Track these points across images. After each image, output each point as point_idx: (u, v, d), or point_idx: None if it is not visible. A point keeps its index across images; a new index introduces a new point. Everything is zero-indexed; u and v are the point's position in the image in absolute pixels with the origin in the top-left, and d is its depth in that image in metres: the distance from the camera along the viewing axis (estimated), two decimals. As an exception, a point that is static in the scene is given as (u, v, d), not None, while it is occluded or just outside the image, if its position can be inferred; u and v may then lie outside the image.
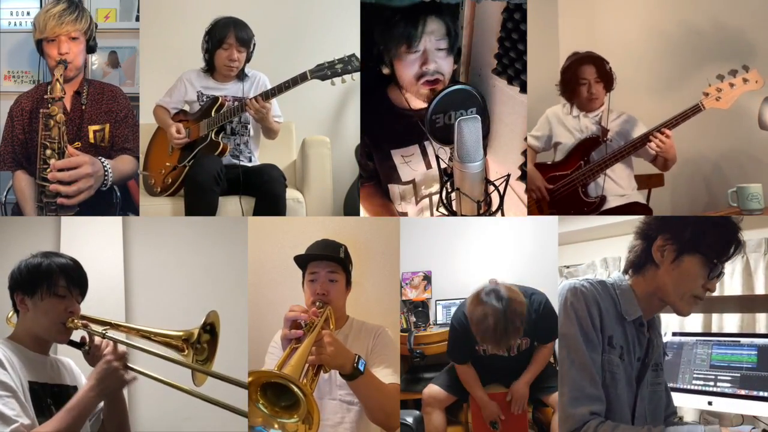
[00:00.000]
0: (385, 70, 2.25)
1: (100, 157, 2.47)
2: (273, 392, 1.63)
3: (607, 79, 2.59)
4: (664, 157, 2.52)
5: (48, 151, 2.40)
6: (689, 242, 1.60)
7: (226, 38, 2.69)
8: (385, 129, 2.36)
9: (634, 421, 1.65)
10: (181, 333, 1.80)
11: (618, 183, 2.63)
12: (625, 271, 1.70)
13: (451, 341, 2.52)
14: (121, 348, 1.73)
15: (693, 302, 1.63)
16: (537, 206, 2.67)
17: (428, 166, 2.35)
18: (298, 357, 1.61)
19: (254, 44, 2.75)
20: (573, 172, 2.62)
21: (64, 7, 2.46)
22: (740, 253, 1.67)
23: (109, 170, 2.45)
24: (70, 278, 1.75)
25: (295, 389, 1.56)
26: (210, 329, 1.82)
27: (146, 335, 1.80)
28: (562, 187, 2.63)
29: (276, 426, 1.63)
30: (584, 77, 2.60)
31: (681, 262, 1.59)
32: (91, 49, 2.57)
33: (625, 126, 2.62)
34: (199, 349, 1.79)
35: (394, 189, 2.42)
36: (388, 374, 1.89)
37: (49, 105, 2.41)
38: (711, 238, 1.60)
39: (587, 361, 1.55)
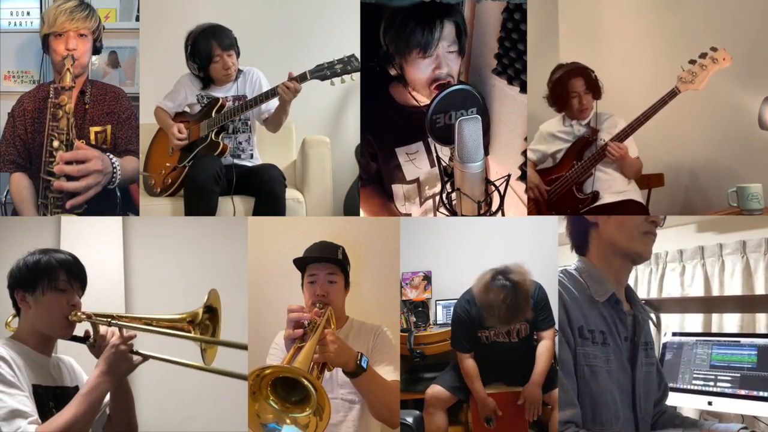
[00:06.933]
0: (393, 72, 2.24)
1: (108, 154, 2.45)
2: (283, 388, 1.63)
3: (595, 88, 2.65)
4: (620, 164, 2.62)
5: (55, 143, 2.36)
6: None
7: (212, 52, 2.70)
8: (389, 127, 2.36)
9: (636, 406, 1.63)
10: (185, 315, 1.82)
11: (613, 180, 2.66)
12: (580, 254, 1.72)
13: (455, 330, 2.56)
14: (128, 332, 1.73)
15: (646, 239, 1.65)
16: (535, 206, 2.69)
17: (432, 164, 2.35)
18: (305, 354, 1.62)
19: (236, 39, 2.75)
20: (567, 173, 2.66)
21: (75, 3, 2.48)
22: None
23: (118, 168, 2.43)
24: (70, 272, 1.75)
25: (306, 382, 1.57)
26: (209, 308, 1.84)
27: (150, 323, 1.80)
28: (558, 188, 2.68)
29: (288, 421, 1.63)
30: (574, 90, 2.65)
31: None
32: (96, 50, 2.57)
33: (605, 124, 2.68)
34: (204, 328, 1.81)
35: (398, 189, 2.42)
36: (389, 372, 1.90)
37: (58, 95, 2.38)
38: None
39: (564, 360, 1.56)
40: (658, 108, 2.47)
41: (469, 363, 2.48)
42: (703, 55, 2.41)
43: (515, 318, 2.38)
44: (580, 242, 1.72)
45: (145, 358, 1.74)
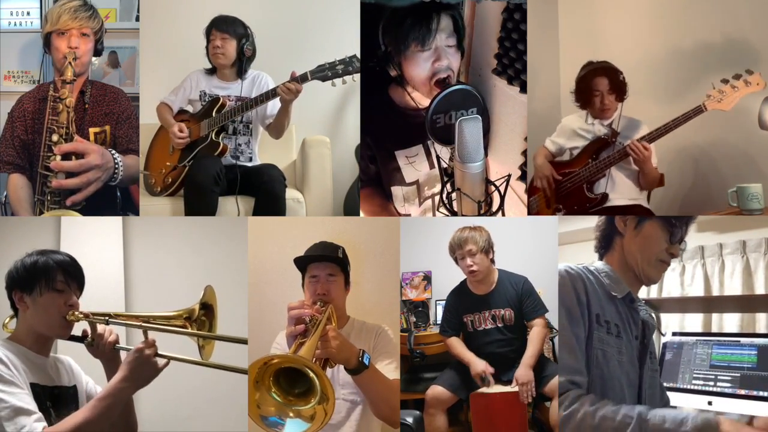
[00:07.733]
0: (393, 72, 2.24)
1: (111, 150, 2.44)
2: (285, 381, 1.64)
3: (619, 89, 2.64)
4: (640, 168, 2.60)
5: (55, 137, 2.35)
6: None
7: (210, 33, 2.76)
8: (388, 130, 2.36)
9: (641, 404, 1.65)
10: (181, 312, 1.84)
11: (628, 186, 2.65)
12: (600, 255, 1.78)
13: (443, 317, 2.67)
14: (151, 336, 1.73)
15: (660, 267, 1.70)
16: (544, 197, 2.69)
17: (432, 166, 2.35)
18: (308, 347, 1.62)
19: (249, 37, 2.76)
20: (581, 170, 2.66)
21: (80, 3, 2.50)
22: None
23: (120, 163, 2.42)
24: (68, 273, 1.75)
25: (311, 373, 1.58)
26: (205, 305, 1.86)
27: (146, 321, 1.81)
28: (569, 182, 2.68)
29: (291, 414, 1.63)
30: (597, 89, 2.64)
31: (642, 227, 1.70)
32: (97, 52, 2.58)
33: (627, 128, 2.65)
34: (200, 323, 1.84)
35: (398, 191, 2.43)
36: (390, 369, 1.91)
37: (59, 88, 2.39)
38: None
39: (569, 335, 1.59)
40: (681, 122, 2.45)
41: (452, 338, 2.59)
42: (737, 77, 2.39)
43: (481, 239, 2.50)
44: (605, 243, 1.77)
45: (168, 361, 1.72)
